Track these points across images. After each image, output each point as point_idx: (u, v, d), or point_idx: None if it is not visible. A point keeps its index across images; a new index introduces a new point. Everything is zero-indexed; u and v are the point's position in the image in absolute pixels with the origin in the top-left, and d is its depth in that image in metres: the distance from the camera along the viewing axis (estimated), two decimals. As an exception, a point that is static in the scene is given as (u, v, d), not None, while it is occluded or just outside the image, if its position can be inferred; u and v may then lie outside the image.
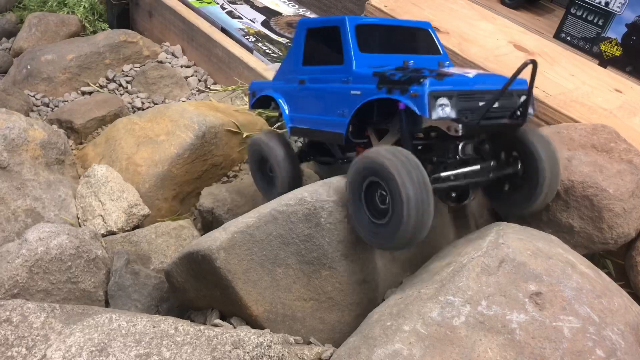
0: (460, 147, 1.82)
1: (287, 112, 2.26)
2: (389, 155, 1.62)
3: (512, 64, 2.71)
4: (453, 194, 1.94)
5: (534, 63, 1.62)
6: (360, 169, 1.71)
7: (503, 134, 1.90)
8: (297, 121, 2.22)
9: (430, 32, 2.20)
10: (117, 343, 1.45)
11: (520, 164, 1.91)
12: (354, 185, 1.76)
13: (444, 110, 1.65)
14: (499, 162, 1.94)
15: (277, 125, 3.28)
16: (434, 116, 1.63)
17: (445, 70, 1.85)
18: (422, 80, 1.67)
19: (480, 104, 1.72)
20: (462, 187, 1.89)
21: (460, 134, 1.68)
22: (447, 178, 1.81)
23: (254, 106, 2.56)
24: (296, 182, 2.30)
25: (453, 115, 1.67)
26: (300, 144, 2.77)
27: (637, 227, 2.05)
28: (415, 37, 2.16)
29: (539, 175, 1.84)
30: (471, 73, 1.81)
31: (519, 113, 1.78)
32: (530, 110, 1.83)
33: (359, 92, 1.88)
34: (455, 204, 2.00)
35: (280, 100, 2.30)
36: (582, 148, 2.12)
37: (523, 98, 1.81)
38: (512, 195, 1.96)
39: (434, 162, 1.86)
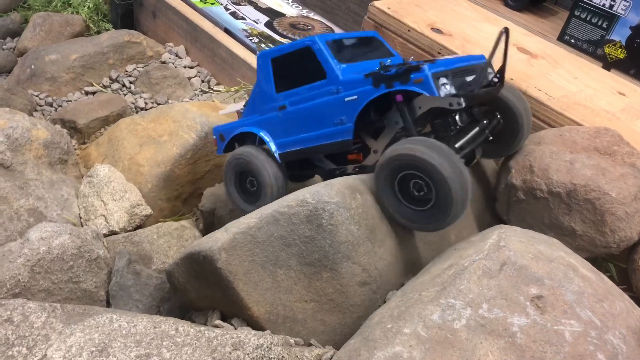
0: (457, 118, 2.00)
1: (271, 141, 2.33)
2: (416, 146, 1.74)
3: (515, 66, 2.70)
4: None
5: (507, 31, 1.87)
6: (393, 165, 1.81)
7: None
8: (287, 146, 2.28)
9: (379, 39, 2.39)
10: (118, 343, 1.46)
11: (499, 116, 2.15)
12: (387, 181, 1.86)
13: (446, 87, 1.85)
14: (485, 119, 2.15)
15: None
16: (442, 94, 1.83)
17: (423, 60, 2.04)
18: (420, 66, 1.84)
19: (468, 78, 1.95)
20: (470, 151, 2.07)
21: (463, 106, 1.82)
22: (462, 147, 1.95)
23: (225, 150, 2.56)
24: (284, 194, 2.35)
25: (453, 91, 1.86)
26: None
27: (640, 231, 2.05)
28: (372, 45, 2.33)
29: (517, 119, 2.12)
30: (446, 57, 2.06)
31: (496, 80, 2.01)
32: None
33: (355, 97, 2.00)
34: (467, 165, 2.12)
35: (261, 132, 2.36)
36: (584, 151, 2.12)
37: (489, 70, 2.04)
38: (497, 143, 2.20)
39: (442, 138, 1.94)
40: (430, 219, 1.80)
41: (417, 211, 1.83)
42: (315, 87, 2.15)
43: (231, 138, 2.49)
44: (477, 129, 2.05)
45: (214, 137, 2.60)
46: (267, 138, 2.34)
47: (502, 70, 1.97)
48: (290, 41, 4.07)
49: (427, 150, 1.72)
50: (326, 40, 2.16)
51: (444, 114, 1.96)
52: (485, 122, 2.11)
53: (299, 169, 2.46)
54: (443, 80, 1.85)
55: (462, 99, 1.82)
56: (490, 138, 2.13)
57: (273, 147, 2.32)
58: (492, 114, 2.15)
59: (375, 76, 1.96)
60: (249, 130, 2.41)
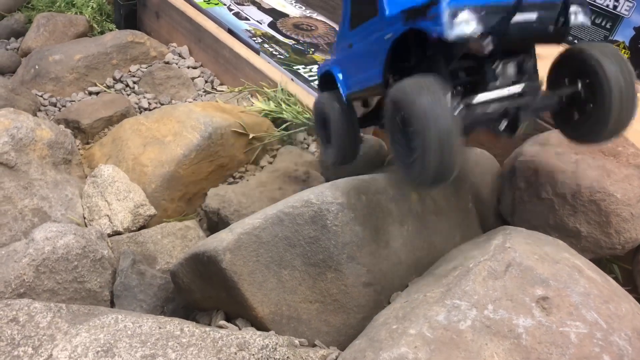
0: (499, 67, 1.65)
1: (341, 79, 2.20)
2: (411, 83, 1.55)
3: (520, 67, 2.69)
4: (503, 123, 1.76)
5: None
6: (390, 102, 1.65)
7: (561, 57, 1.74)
8: (351, 86, 2.15)
9: None
10: (123, 344, 1.46)
11: (580, 84, 1.70)
12: (392, 123, 1.66)
13: (468, 26, 1.51)
14: (555, 84, 1.77)
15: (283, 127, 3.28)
16: (453, 34, 1.50)
17: None
18: (437, 2, 1.54)
19: (517, 18, 1.55)
20: (506, 113, 1.72)
21: (490, 50, 1.53)
22: (481, 103, 1.64)
23: (320, 88, 2.49)
24: (352, 144, 2.27)
25: (479, 30, 1.52)
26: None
27: (645, 232, 2.04)
28: None
29: (604, 95, 1.63)
30: None
31: (560, 23, 1.60)
32: (581, 19, 1.64)
33: (391, 35, 1.76)
34: (507, 135, 1.80)
35: (334, 69, 2.24)
36: (589, 152, 2.11)
37: (574, 9, 1.63)
38: (583, 124, 1.75)
39: (469, 87, 1.71)
40: (415, 171, 1.59)
41: (411, 161, 1.61)
42: (370, 25, 1.94)
43: (322, 76, 2.40)
44: (518, 88, 1.68)
45: (318, 75, 2.50)
46: (339, 75, 2.21)
47: (564, 11, 1.61)
48: (293, 42, 4.07)
49: (412, 85, 1.53)
50: None
51: (486, 60, 1.65)
52: (539, 83, 1.73)
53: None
54: (466, 15, 1.51)
55: (488, 40, 1.52)
56: (576, 116, 1.76)
57: (342, 88, 2.19)
58: (573, 79, 1.74)
59: (407, 10, 1.67)
60: (327, 69, 2.32)
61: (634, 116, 1.68)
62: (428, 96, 1.48)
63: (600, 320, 1.51)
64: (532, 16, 1.58)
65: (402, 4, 1.79)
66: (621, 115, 1.67)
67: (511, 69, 1.69)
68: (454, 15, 1.50)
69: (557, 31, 1.64)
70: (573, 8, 1.63)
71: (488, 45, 1.52)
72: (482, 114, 1.66)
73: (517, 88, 1.69)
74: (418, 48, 1.79)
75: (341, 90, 2.22)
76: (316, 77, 2.52)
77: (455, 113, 1.55)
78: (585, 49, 1.70)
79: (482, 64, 1.69)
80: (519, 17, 1.55)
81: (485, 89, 1.67)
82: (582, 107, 1.75)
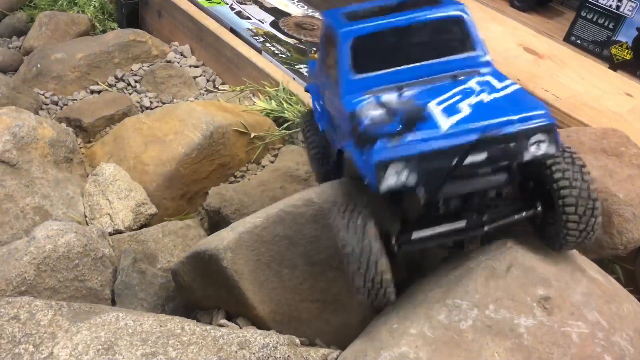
0: (440, 203, 1.54)
1: (318, 111, 2.14)
2: (340, 218, 1.49)
3: (522, 66, 2.70)
4: (450, 244, 1.73)
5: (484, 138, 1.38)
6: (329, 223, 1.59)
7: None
8: (323, 126, 2.10)
9: (463, 20, 1.75)
10: (124, 342, 1.46)
11: (539, 206, 1.60)
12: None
13: (400, 177, 1.40)
14: (509, 207, 1.62)
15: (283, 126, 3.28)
16: (383, 188, 1.40)
17: (426, 109, 1.53)
18: (373, 143, 1.42)
19: (473, 158, 1.41)
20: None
21: (422, 202, 1.45)
22: (420, 240, 1.55)
23: (306, 90, 2.43)
24: (328, 169, 2.20)
25: (412, 181, 1.41)
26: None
27: (647, 233, 2.03)
28: (438, 34, 1.75)
29: (562, 217, 1.53)
30: (455, 115, 1.48)
31: (516, 159, 1.44)
32: (545, 149, 1.46)
33: (343, 129, 1.68)
34: (451, 249, 1.82)
35: (312, 94, 2.19)
36: (592, 152, 2.11)
37: (536, 138, 1.44)
38: (544, 231, 1.67)
39: (410, 219, 1.59)
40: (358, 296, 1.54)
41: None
42: (333, 90, 1.78)
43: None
44: (462, 224, 1.55)
45: (308, 71, 2.47)
46: (317, 108, 2.15)
47: (511, 161, 1.46)
48: (294, 41, 4.07)
49: (343, 221, 1.48)
50: (355, 36, 1.68)
51: None
52: (485, 217, 1.57)
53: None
54: (396, 167, 1.39)
55: (422, 190, 1.42)
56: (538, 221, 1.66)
57: (318, 122, 2.12)
58: (530, 201, 1.62)
59: (353, 122, 1.56)
60: (309, 90, 2.27)
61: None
62: (353, 237, 1.43)
63: (602, 320, 1.50)
64: (479, 157, 1.42)
65: (367, 86, 1.67)
66: (587, 231, 1.56)
67: (455, 204, 1.56)
68: (384, 168, 1.39)
69: (511, 174, 1.50)
70: (535, 137, 1.44)
71: (423, 197, 1.43)
72: (422, 246, 1.58)
73: (460, 224, 1.56)
74: None
75: (319, 124, 2.12)
76: None
77: (393, 249, 1.51)
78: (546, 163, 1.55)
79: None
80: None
81: (425, 224, 1.56)
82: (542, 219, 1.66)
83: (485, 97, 1.54)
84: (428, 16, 1.73)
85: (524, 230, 1.78)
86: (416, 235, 1.54)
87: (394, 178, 1.39)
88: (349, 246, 1.45)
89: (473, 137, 1.39)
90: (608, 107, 2.53)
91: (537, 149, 1.45)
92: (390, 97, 1.62)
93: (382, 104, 1.59)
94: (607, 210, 1.95)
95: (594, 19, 3.60)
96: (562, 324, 1.48)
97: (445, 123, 1.45)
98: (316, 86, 2.19)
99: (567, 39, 3.71)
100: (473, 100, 1.53)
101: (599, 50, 3.60)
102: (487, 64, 1.74)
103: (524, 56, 2.84)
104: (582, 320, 1.49)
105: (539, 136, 1.44)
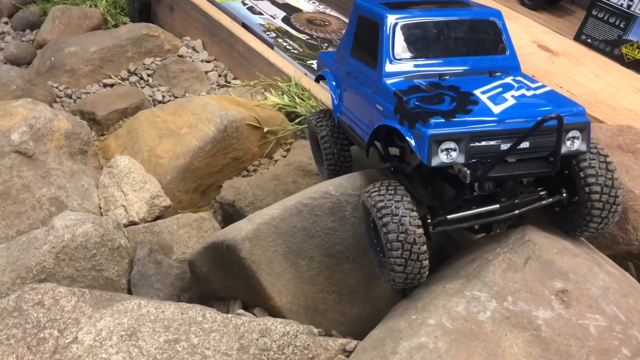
0: (476, 185, 1.61)
1: (335, 100, 2.18)
2: (381, 196, 1.54)
3: (537, 63, 2.70)
4: (476, 227, 1.76)
5: (560, 118, 1.43)
6: (362, 205, 1.67)
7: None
8: (342, 113, 2.15)
9: (498, 24, 1.88)
10: (147, 328, 1.48)
11: (565, 192, 1.67)
12: (365, 222, 1.71)
13: (450, 155, 1.48)
14: (535, 193, 1.70)
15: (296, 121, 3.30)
16: (434, 163, 1.47)
17: (474, 94, 1.62)
18: (428, 118, 1.48)
19: (503, 146, 1.50)
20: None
21: (468, 182, 1.49)
22: (454, 220, 1.62)
23: (317, 80, 2.51)
24: (341, 165, 2.26)
25: (461, 160, 1.48)
26: None
27: (662, 229, 2.04)
28: (475, 33, 1.86)
29: (588, 203, 1.60)
30: (502, 104, 1.56)
31: (551, 159, 1.54)
32: (577, 146, 1.57)
33: (381, 108, 1.75)
34: (477, 233, 1.83)
35: (331, 84, 2.21)
36: (608, 148, 2.11)
37: (573, 134, 1.56)
38: (563, 218, 1.74)
39: (445, 200, 1.70)
40: (386, 275, 1.62)
41: (381, 260, 1.65)
42: (367, 73, 1.86)
43: (319, 72, 2.41)
44: (495, 206, 1.63)
45: (317, 61, 2.49)
46: (334, 94, 2.18)
47: (555, 150, 1.52)
48: (306, 37, 4.08)
49: (383, 199, 1.53)
50: (400, 22, 1.78)
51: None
52: (518, 200, 1.66)
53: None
54: (448, 145, 1.47)
55: (468, 172, 1.46)
56: (557, 209, 1.73)
57: (334, 107, 2.17)
58: (556, 189, 1.69)
59: (398, 100, 1.63)
60: (325, 77, 2.30)
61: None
62: (394, 215, 1.49)
63: (620, 313, 1.51)
64: (524, 145, 1.51)
65: (406, 72, 1.76)
66: (606, 220, 1.65)
67: (491, 184, 1.64)
68: (438, 142, 1.46)
69: (551, 163, 1.56)
70: (572, 133, 1.56)
71: (467, 177, 1.47)
72: (457, 227, 1.64)
73: (494, 206, 1.63)
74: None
75: (333, 108, 2.19)
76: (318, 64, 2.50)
77: (430, 229, 1.58)
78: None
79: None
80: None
81: (467, 203, 1.65)
82: (563, 206, 1.73)
83: (526, 92, 1.65)
84: (468, 15, 1.86)
85: (541, 221, 1.80)
86: (451, 216, 1.61)
87: (444, 154, 1.47)
88: (387, 217, 1.51)
89: (528, 124, 1.47)
90: (623, 104, 2.54)
91: (572, 144, 1.56)
92: (434, 83, 1.71)
93: (427, 87, 1.68)
94: (622, 206, 1.96)
95: (605, 18, 3.59)
96: (580, 316, 1.49)
97: (496, 109, 1.54)
98: (333, 73, 2.24)
99: (578, 38, 3.70)
100: (515, 93, 1.64)
101: (610, 49, 3.59)
102: (517, 67, 1.86)
103: (538, 53, 2.84)
104: (599, 314, 1.50)
105: (575, 132, 1.55)
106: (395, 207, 1.51)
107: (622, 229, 1.98)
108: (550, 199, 1.67)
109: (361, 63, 1.94)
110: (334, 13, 4.51)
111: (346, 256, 1.89)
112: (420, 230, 1.51)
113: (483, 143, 1.50)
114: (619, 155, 2.07)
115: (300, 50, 3.89)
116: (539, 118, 1.41)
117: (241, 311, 1.88)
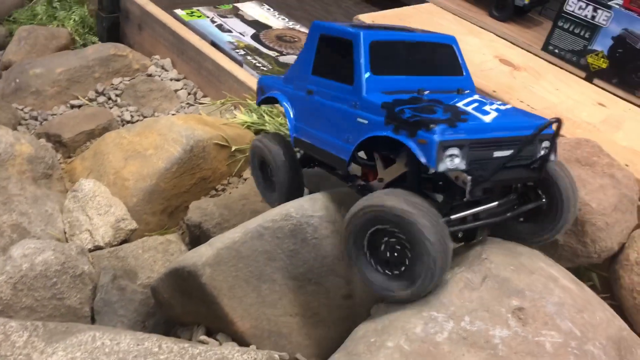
0: (467, 191, 1.64)
1: (292, 119, 2.14)
2: (400, 201, 1.52)
3: (498, 78, 2.74)
4: (460, 234, 1.82)
5: (559, 122, 1.55)
6: (368, 217, 1.60)
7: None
8: (302, 133, 2.10)
9: (454, 48, 2.02)
10: (100, 362, 1.45)
11: (544, 197, 1.79)
12: (357, 235, 1.65)
13: (453, 161, 1.52)
14: (519, 196, 1.81)
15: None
16: (441, 168, 1.51)
17: (460, 107, 1.71)
18: (431, 125, 1.52)
19: (496, 153, 1.59)
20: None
21: (469, 187, 1.56)
22: (459, 221, 1.67)
23: (260, 104, 2.46)
24: (296, 189, 2.21)
25: (462, 166, 1.54)
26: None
27: (620, 241, 2.07)
28: (437, 55, 1.98)
29: (562, 206, 1.75)
30: (488, 115, 1.66)
31: (536, 165, 1.67)
32: (552, 157, 1.72)
33: (365, 121, 1.75)
34: (463, 243, 1.88)
35: (286, 105, 2.18)
36: (566, 162, 2.15)
37: (545, 144, 1.69)
38: (526, 226, 1.84)
39: (441, 202, 1.73)
40: (399, 285, 1.60)
41: (386, 275, 1.63)
42: (341, 90, 1.87)
43: (266, 97, 2.35)
44: (494, 204, 1.72)
45: (258, 85, 2.43)
46: (290, 113, 2.14)
47: (545, 157, 1.67)
48: (276, 54, 4.09)
49: (404, 203, 1.51)
50: (373, 40, 1.82)
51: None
52: (511, 197, 1.79)
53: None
54: (452, 150, 1.52)
55: (469, 178, 1.55)
56: (521, 219, 1.84)
57: (291, 125, 2.12)
58: (535, 194, 1.81)
59: (389, 111, 1.65)
60: (277, 98, 2.25)
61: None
62: (428, 215, 1.50)
63: (575, 329, 1.53)
64: (508, 152, 1.61)
65: (384, 87, 1.80)
66: (570, 220, 1.81)
67: (480, 192, 1.68)
68: (444, 147, 1.50)
69: (535, 169, 1.69)
70: (544, 143, 1.70)
71: (468, 182, 1.56)
72: (458, 230, 1.69)
73: (492, 204, 1.73)
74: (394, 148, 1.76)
75: (289, 128, 2.15)
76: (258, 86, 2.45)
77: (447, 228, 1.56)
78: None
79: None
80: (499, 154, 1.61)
81: (462, 205, 1.70)
82: (530, 214, 1.84)
83: (500, 107, 1.77)
84: (430, 39, 1.98)
85: (495, 238, 1.82)
86: (455, 216, 1.66)
87: (449, 160, 1.52)
88: (432, 238, 1.49)
89: (521, 132, 1.61)
90: (582, 117, 2.58)
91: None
92: (415, 97, 1.77)
93: (411, 100, 1.72)
94: (580, 220, 1.99)
95: (571, 29, 3.67)
96: (536, 334, 1.50)
97: (486, 119, 1.65)
98: (286, 95, 2.21)
99: (545, 49, 3.77)
100: (492, 107, 1.74)
101: (576, 59, 3.67)
102: (474, 88, 2.00)
103: (500, 68, 2.89)
104: (555, 330, 1.51)
105: (546, 143, 1.70)
106: (425, 213, 1.52)
107: (580, 241, 2.02)
108: (531, 205, 1.80)
109: (329, 80, 1.94)
110: (303, 29, 4.54)
111: (308, 278, 1.88)
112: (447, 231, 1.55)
113: (478, 150, 1.58)
114: (576, 169, 2.11)
115: (270, 67, 3.90)
116: (526, 127, 1.57)
117: (203, 337, 1.86)
